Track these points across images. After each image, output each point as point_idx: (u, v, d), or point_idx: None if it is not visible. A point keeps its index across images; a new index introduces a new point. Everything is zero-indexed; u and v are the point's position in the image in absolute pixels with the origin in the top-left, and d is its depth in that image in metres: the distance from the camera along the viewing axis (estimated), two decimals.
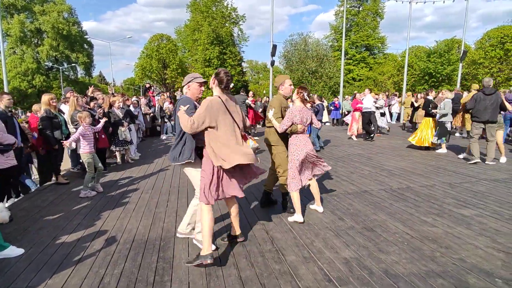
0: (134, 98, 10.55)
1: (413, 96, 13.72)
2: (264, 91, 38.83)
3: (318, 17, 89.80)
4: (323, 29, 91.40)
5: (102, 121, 5.44)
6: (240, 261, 2.79)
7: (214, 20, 35.17)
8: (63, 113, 5.96)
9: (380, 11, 38.75)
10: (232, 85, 2.80)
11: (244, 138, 2.86)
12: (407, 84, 31.94)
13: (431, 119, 8.05)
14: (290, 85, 3.80)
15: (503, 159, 6.58)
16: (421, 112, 9.88)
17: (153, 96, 13.75)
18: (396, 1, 19.09)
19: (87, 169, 4.77)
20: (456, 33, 43.00)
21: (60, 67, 38.93)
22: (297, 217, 3.61)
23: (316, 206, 3.95)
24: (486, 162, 6.43)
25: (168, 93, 16.65)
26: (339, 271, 2.57)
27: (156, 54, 37.95)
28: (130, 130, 7.35)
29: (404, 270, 2.59)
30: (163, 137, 11.56)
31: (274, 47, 14.57)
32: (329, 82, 34.91)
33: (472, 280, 2.44)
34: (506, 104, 6.53)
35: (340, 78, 20.22)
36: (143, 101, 11.76)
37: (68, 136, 5.32)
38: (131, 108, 8.65)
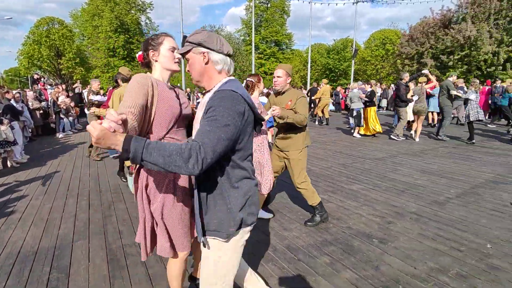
0: (16, 91, 8.95)
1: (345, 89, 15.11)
2: (179, 84, 37.51)
3: (230, 10, 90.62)
4: (235, 23, 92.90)
5: None
6: (150, 258, 2.70)
7: (117, 6, 32.13)
8: None
9: (286, 8, 41.27)
10: None
11: None
12: (311, 78, 35.05)
13: (371, 108, 8.89)
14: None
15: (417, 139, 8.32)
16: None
17: (45, 89, 11.91)
18: (298, 0, 20.60)
19: None
20: (349, 34, 48.86)
21: None
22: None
23: None
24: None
25: (64, 85, 14.62)
26: (244, 255, 2.73)
27: (47, 40, 32.68)
28: (12, 128, 6.24)
29: (303, 243, 2.91)
30: (60, 135, 10.15)
31: (184, 38, 14.15)
32: (242, 76, 35.79)
33: (356, 243, 2.89)
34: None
35: (252, 71, 20.96)
36: (30, 94, 10.07)
37: None
38: (12, 102, 7.34)
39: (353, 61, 21.30)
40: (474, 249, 2.75)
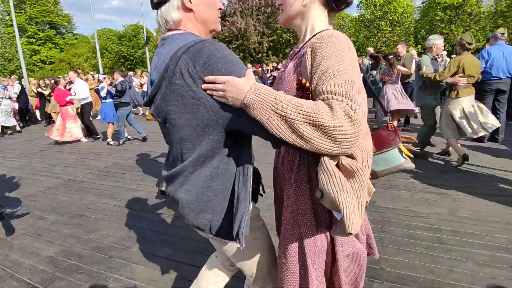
0: None
1: None
2: None
3: None
4: None
5: None
6: None
7: None
8: None
9: None
10: None
11: None
12: (105, 67, 31.82)
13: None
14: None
15: None
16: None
17: None
18: None
19: None
20: (140, 20, 47.24)
21: None
22: None
23: None
24: None
25: None
26: (43, 273, 2.29)
27: None
28: None
29: (113, 238, 2.74)
30: None
31: None
32: (8, 66, 27.71)
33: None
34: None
35: (20, 59, 16.52)
36: None
37: None
38: None
39: (146, 49, 20.91)
40: None
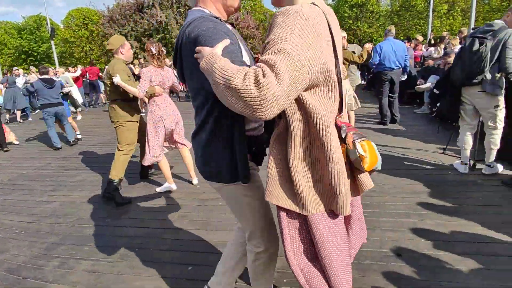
0: None
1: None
2: None
3: None
4: None
5: None
6: None
7: None
8: None
9: None
10: None
11: None
12: (4, 65, 27.21)
13: None
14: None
15: None
16: None
17: None
18: None
19: None
20: (41, 10, 41.27)
21: None
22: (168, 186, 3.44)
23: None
24: None
25: None
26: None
27: None
28: None
29: (24, 257, 2.42)
30: None
31: None
32: None
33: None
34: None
35: None
36: None
37: None
38: None
39: (52, 42, 18.42)
40: None
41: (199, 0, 1.27)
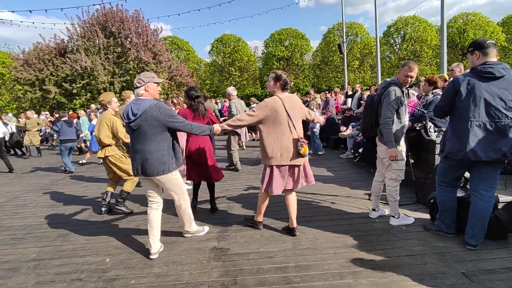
0: None
1: None
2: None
3: None
4: None
5: None
6: None
7: None
8: None
9: None
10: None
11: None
12: None
13: None
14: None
15: None
16: None
17: None
18: None
19: None
20: None
21: None
22: None
23: None
24: None
25: None
26: None
27: None
28: None
29: None
30: None
31: None
32: None
33: None
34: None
35: None
36: None
37: None
38: None
39: None
40: (93, 270, 2.81)
41: (143, 95, 2.86)
